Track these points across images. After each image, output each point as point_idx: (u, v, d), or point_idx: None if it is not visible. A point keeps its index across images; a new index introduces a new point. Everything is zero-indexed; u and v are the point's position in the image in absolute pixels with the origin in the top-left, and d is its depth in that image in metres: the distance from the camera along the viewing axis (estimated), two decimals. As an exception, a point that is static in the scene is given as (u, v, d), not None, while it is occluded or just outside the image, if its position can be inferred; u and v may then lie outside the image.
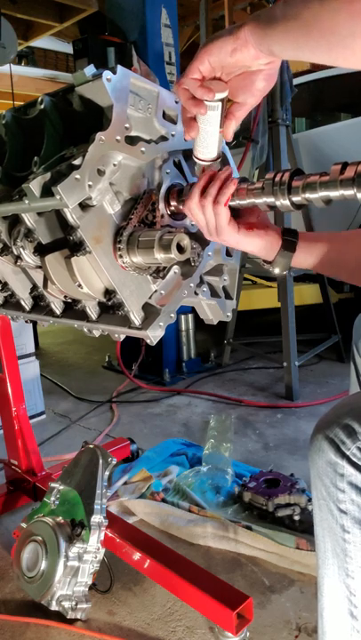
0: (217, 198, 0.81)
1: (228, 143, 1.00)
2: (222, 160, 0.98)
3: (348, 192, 0.68)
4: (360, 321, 1.20)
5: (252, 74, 0.70)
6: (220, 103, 0.72)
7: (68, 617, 1.27)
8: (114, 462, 1.37)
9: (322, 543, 0.79)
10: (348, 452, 0.71)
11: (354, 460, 0.71)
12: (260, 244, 0.88)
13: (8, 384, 1.67)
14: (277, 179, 0.76)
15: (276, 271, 0.92)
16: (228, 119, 0.76)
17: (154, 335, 0.89)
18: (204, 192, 0.82)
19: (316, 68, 4.55)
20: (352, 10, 0.51)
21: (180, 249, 0.81)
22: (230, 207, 0.83)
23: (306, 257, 0.92)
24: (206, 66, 0.69)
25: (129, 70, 0.81)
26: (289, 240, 0.90)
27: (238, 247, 0.90)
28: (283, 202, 0.76)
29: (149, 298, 0.91)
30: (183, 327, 3.27)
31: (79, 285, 0.89)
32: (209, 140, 0.77)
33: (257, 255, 0.92)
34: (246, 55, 0.66)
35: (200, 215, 0.84)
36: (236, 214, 0.87)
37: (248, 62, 0.68)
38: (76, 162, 0.77)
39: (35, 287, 1.14)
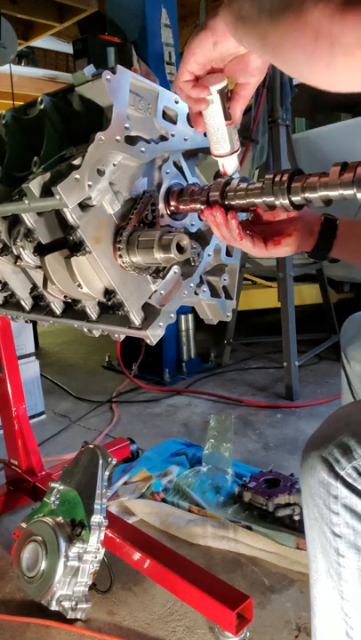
0: (233, 237, 0.85)
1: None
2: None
3: (348, 192, 0.68)
4: (347, 326, 1.17)
5: (244, 56, 0.69)
6: (217, 95, 0.74)
7: (68, 617, 1.27)
8: (114, 462, 1.37)
9: (314, 563, 0.75)
10: (342, 473, 0.66)
11: (349, 480, 0.66)
12: (292, 250, 0.92)
13: (8, 384, 1.67)
14: (277, 179, 0.76)
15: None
16: (235, 100, 0.76)
17: (154, 335, 0.89)
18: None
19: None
20: (294, 39, 0.50)
21: (180, 249, 0.81)
22: (250, 221, 0.90)
23: (342, 251, 0.95)
24: (193, 65, 0.70)
25: (129, 70, 0.81)
26: (318, 253, 0.94)
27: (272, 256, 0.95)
28: (282, 202, 0.76)
29: (149, 298, 0.91)
30: (183, 327, 3.27)
31: (79, 285, 0.89)
32: (218, 134, 0.79)
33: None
34: (228, 45, 0.66)
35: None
36: (260, 221, 0.91)
37: (233, 50, 0.67)
38: (76, 162, 0.77)
39: (35, 287, 1.14)
